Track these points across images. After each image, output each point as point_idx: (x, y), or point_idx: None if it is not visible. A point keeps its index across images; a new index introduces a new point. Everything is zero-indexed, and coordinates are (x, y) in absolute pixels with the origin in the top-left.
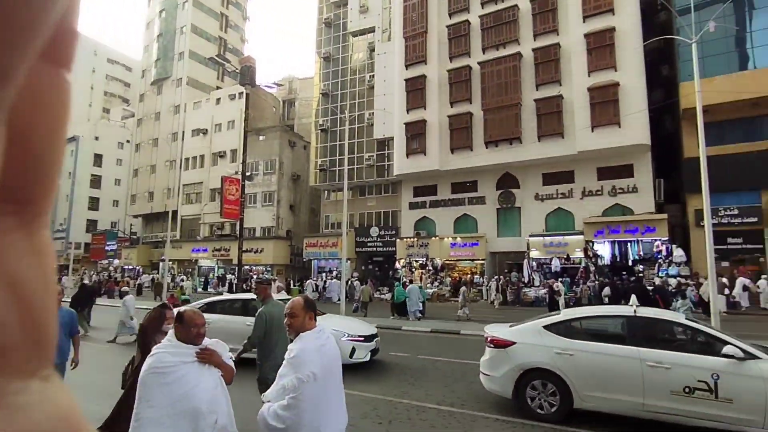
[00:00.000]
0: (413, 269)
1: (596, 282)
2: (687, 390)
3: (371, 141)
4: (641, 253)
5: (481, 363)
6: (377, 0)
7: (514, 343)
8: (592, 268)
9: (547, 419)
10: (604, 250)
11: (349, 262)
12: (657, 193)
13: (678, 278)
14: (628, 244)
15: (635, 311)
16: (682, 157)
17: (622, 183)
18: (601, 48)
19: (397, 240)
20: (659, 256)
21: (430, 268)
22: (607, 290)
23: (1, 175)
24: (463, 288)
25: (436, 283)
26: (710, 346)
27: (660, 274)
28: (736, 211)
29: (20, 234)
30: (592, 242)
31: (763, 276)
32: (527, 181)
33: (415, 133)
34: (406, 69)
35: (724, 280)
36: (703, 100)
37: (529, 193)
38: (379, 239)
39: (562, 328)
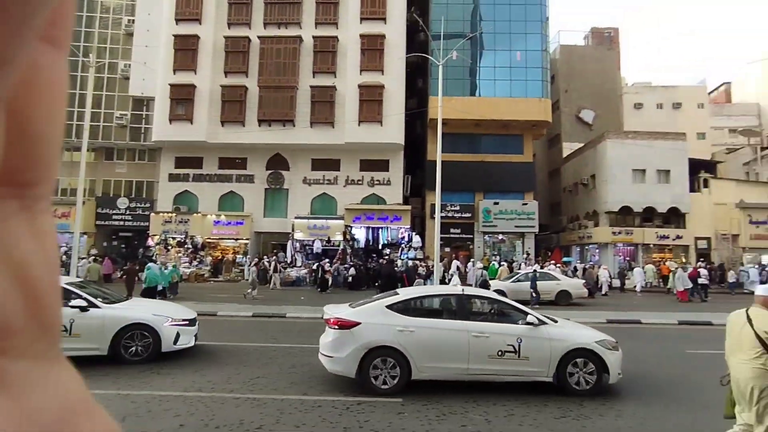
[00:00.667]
0: (169, 247)
1: (350, 264)
2: (500, 353)
3: (126, 97)
4: (389, 238)
5: (323, 345)
6: None
7: (359, 323)
8: (349, 251)
9: (388, 393)
10: (360, 234)
11: (85, 236)
12: (405, 187)
13: (414, 260)
14: (380, 230)
15: (463, 290)
16: (426, 158)
17: (379, 175)
18: (372, 51)
19: (152, 214)
20: (402, 242)
21: (190, 246)
22: (352, 270)
23: (1, 159)
24: (253, 269)
25: (195, 263)
26: (515, 316)
27: (402, 257)
28: (458, 207)
29: (22, 217)
30: (351, 227)
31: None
32: (297, 164)
33: (182, 97)
34: (176, 24)
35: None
36: (443, 114)
37: (298, 176)
38: (128, 212)
39: (403, 307)
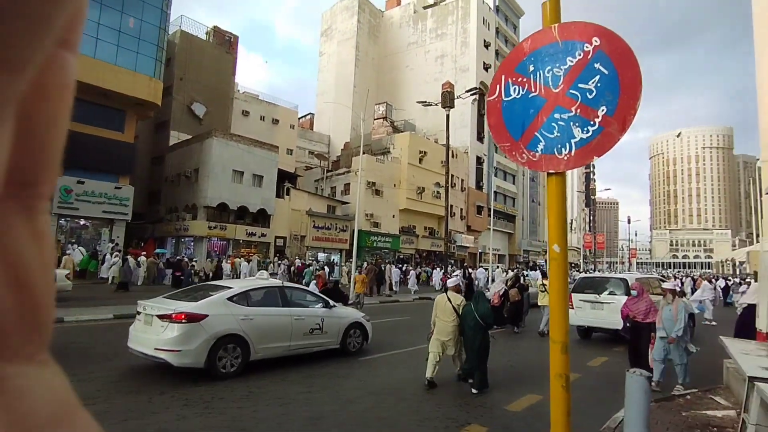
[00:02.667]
0: None
1: None
2: (311, 330)
3: None
4: None
5: (166, 342)
6: None
7: (207, 315)
8: None
9: (231, 375)
10: None
11: None
12: None
13: None
14: None
15: (282, 283)
16: None
17: None
18: None
19: None
20: None
21: None
22: None
23: (8, 159)
24: None
25: None
26: (315, 302)
27: None
28: None
29: (21, 217)
30: None
31: None
32: None
33: None
34: None
35: None
36: None
37: None
38: None
39: (241, 298)
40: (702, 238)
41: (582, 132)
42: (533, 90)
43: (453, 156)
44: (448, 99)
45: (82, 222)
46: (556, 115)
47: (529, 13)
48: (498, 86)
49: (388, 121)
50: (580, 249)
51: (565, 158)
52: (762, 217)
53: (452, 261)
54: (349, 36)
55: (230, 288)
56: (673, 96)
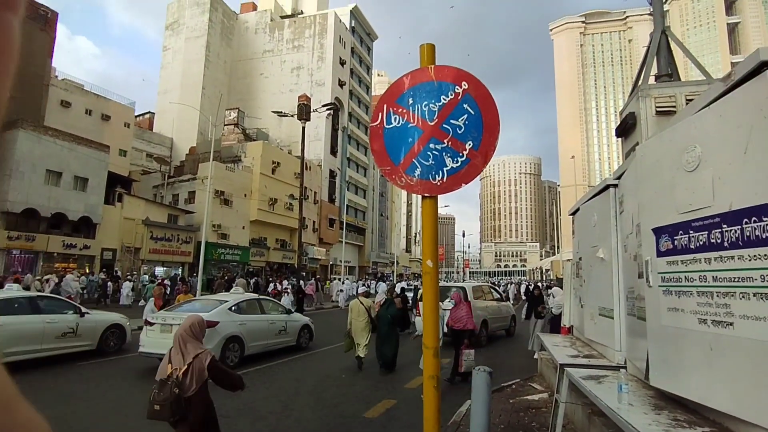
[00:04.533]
0: None
1: None
2: (279, 331)
3: None
4: None
5: None
6: None
7: (218, 322)
8: None
9: (233, 367)
10: None
11: None
12: None
13: None
14: None
15: (259, 296)
16: None
17: None
18: None
19: None
20: None
21: None
22: None
23: None
24: None
25: None
26: (282, 309)
27: None
28: None
29: None
30: None
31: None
32: None
33: None
34: None
35: None
36: None
37: None
38: None
39: (237, 308)
40: (519, 250)
41: (452, 162)
42: (412, 121)
43: (307, 168)
44: (304, 111)
45: None
46: (431, 145)
47: (383, 38)
48: (380, 114)
49: (240, 128)
50: None
51: (439, 184)
52: (562, 233)
53: (304, 273)
54: (199, 34)
55: (227, 301)
56: (502, 126)
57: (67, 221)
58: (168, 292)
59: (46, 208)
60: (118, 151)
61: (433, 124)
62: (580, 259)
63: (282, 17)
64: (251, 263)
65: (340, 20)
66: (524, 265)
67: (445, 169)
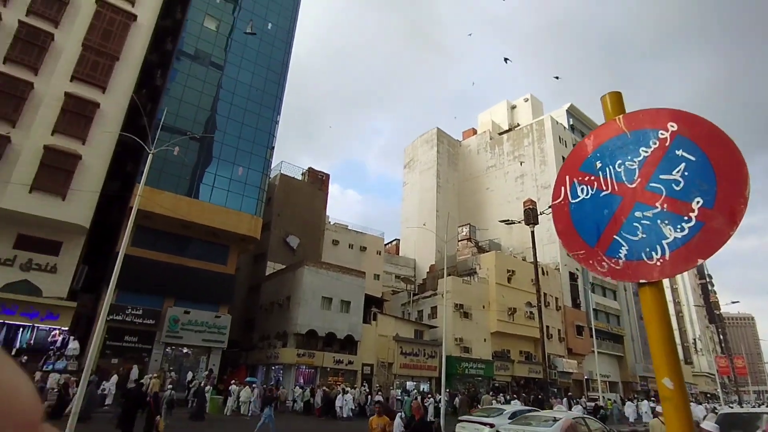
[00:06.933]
0: None
1: None
2: None
3: None
4: (32, 341)
5: None
6: None
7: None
8: None
9: None
10: None
11: None
12: (77, 279)
13: (63, 374)
14: (21, 329)
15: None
16: (115, 249)
17: (41, 259)
18: (78, 115)
19: None
20: (52, 348)
21: None
22: None
23: None
24: None
25: None
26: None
27: (46, 367)
28: (141, 312)
29: None
30: None
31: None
32: None
33: None
34: None
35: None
36: (147, 206)
37: None
38: None
39: (512, 416)
40: None
41: (675, 231)
42: (604, 188)
43: (543, 273)
44: (531, 216)
45: (184, 350)
46: (638, 213)
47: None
48: (562, 188)
49: (473, 241)
50: (714, 375)
51: (658, 263)
52: None
53: (554, 389)
54: (430, 165)
55: (505, 410)
56: None
57: (336, 339)
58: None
59: (322, 328)
60: (372, 276)
61: (634, 186)
62: None
63: (500, 134)
64: (496, 377)
65: (557, 122)
66: None
67: (665, 242)
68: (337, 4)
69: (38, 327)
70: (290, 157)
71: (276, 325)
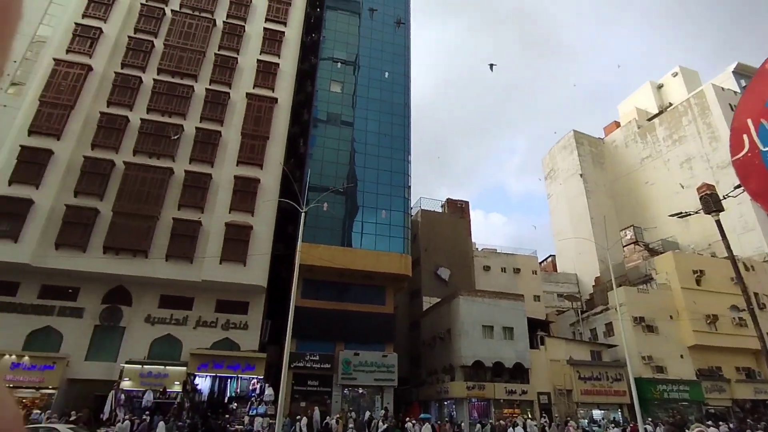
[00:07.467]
0: None
1: (188, 420)
2: None
3: None
4: (238, 390)
5: None
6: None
7: None
8: (187, 404)
9: None
10: (204, 384)
11: None
12: (264, 333)
13: (264, 417)
14: (228, 380)
15: None
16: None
17: (236, 318)
18: (245, 192)
19: None
20: (253, 395)
21: None
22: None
23: None
24: None
25: None
26: None
27: (251, 413)
28: (317, 357)
29: None
30: (194, 375)
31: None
32: (142, 299)
33: (12, 212)
34: (29, 135)
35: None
36: (308, 260)
37: (141, 313)
38: None
39: None
40: None
41: None
42: None
43: (747, 269)
44: (712, 202)
45: (360, 390)
46: None
47: None
48: (744, 136)
49: (641, 244)
50: None
51: None
52: None
53: None
54: (573, 172)
55: None
56: None
57: (504, 369)
58: None
59: (488, 358)
60: (532, 298)
61: None
62: None
63: (649, 119)
64: (708, 401)
65: (722, 89)
66: None
67: None
68: (446, 36)
69: (241, 377)
70: (428, 191)
71: (441, 359)
